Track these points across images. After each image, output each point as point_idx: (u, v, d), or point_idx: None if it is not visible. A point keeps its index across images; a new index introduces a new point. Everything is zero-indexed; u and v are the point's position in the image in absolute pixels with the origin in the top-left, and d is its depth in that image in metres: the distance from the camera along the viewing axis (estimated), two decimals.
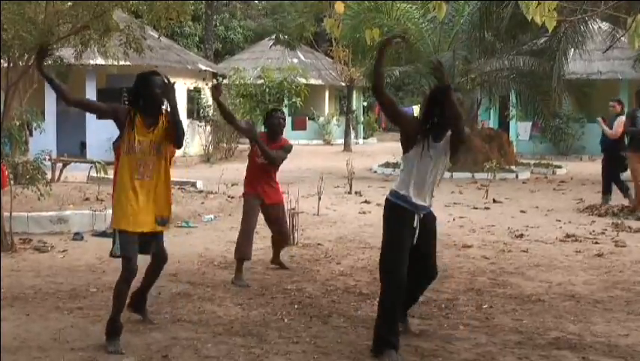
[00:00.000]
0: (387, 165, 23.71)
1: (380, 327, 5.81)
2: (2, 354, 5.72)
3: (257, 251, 9.75)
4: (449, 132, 5.86)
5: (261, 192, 8.53)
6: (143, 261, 6.32)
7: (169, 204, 6.26)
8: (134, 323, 6.51)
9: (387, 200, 6.01)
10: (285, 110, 36.11)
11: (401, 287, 5.80)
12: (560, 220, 12.95)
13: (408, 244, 5.85)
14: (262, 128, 8.95)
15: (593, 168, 17.77)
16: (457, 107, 5.75)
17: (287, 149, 8.68)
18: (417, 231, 5.88)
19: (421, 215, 5.92)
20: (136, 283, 6.49)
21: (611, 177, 15.00)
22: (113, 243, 6.07)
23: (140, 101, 6.19)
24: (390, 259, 5.85)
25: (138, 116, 6.13)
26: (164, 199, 6.20)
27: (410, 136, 5.87)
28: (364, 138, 41.73)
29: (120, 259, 6.04)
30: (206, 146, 27.19)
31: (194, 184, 16.87)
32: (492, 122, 31.77)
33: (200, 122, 27.43)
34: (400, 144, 6.09)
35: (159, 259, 6.40)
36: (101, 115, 6.53)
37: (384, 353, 5.67)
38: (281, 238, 8.92)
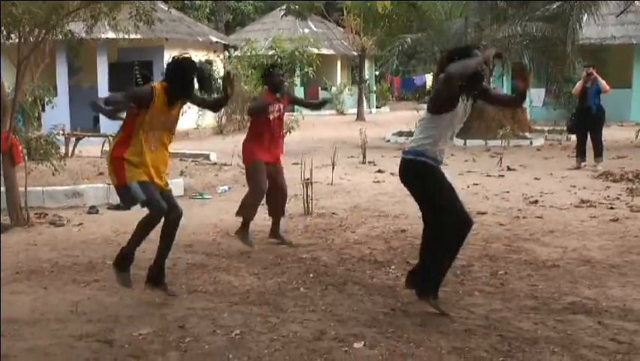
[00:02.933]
0: (400, 133, 23.65)
1: (440, 274, 6.09)
2: (22, 327, 5.78)
3: (270, 221, 9.78)
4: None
5: (269, 155, 8.60)
6: (154, 233, 6.36)
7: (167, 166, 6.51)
8: (150, 294, 6.54)
9: (409, 160, 6.07)
10: (297, 81, 36.11)
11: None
12: (574, 186, 12.91)
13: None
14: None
15: (607, 133, 17.68)
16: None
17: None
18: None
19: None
20: (151, 255, 6.54)
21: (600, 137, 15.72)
22: (123, 198, 6.24)
23: (175, 85, 6.26)
24: (453, 205, 5.97)
25: (164, 95, 6.21)
26: (165, 163, 6.43)
27: (455, 98, 5.89)
28: (377, 107, 41.60)
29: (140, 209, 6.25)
30: (219, 118, 27.18)
31: (207, 156, 16.90)
32: (505, 89, 31.61)
33: (212, 94, 27.40)
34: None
35: (174, 213, 6.32)
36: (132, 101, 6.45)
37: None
38: (280, 195, 8.80)
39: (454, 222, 5.98)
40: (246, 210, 8.57)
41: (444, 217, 6.01)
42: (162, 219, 6.30)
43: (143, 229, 6.28)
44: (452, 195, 6.04)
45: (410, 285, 6.35)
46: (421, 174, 6.06)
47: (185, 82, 6.27)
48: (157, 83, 6.37)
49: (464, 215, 6.04)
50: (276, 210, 8.90)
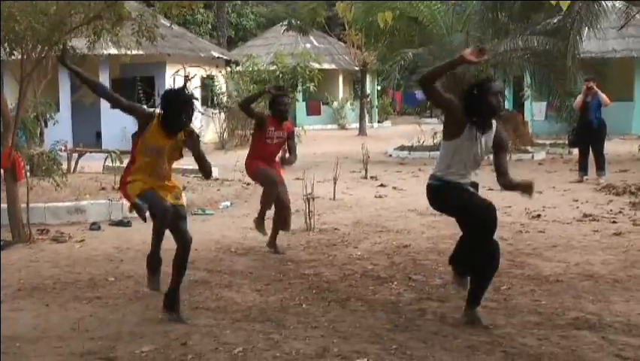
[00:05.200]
0: (402, 148, 23.67)
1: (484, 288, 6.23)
2: (24, 344, 5.76)
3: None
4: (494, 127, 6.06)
5: (269, 167, 9.00)
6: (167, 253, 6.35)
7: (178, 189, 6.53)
8: (152, 311, 6.53)
9: (430, 185, 6.15)
10: (299, 96, 36.15)
11: None
12: (577, 200, 12.90)
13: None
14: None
15: (609, 146, 17.68)
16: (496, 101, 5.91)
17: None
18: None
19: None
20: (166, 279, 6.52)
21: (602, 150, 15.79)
22: (139, 214, 6.24)
23: (169, 115, 6.17)
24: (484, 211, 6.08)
25: (159, 123, 6.19)
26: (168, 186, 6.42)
27: (459, 122, 5.91)
28: (379, 122, 41.62)
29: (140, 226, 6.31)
30: (220, 133, 27.20)
31: None
32: (507, 103, 31.62)
33: (214, 109, 27.43)
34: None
35: (183, 241, 6.32)
36: (122, 109, 6.48)
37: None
38: (283, 210, 9.05)
39: (481, 218, 6.07)
40: (264, 204, 9.06)
41: (475, 218, 6.10)
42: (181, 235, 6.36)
43: (156, 233, 6.48)
44: (475, 199, 6.11)
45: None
46: (446, 194, 6.08)
47: (173, 115, 6.13)
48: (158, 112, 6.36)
49: (490, 213, 6.12)
50: (278, 223, 9.12)
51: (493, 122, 6.09)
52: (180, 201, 6.48)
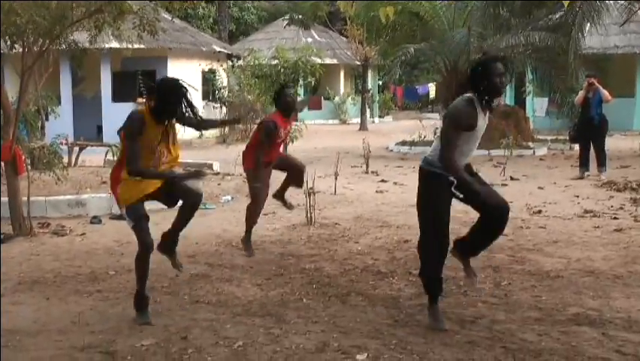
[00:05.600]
0: (403, 143, 23.65)
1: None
2: (24, 338, 5.77)
3: (273, 231, 9.79)
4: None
5: (271, 157, 8.75)
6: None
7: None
8: (152, 304, 6.52)
9: (421, 168, 6.11)
10: (301, 90, 36.15)
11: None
12: (578, 196, 12.89)
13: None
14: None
15: (610, 142, 17.69)
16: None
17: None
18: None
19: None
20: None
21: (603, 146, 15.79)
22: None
23: (160, 105, 6.15)
24: (430, 225, 6.03)
25: (150, 116, 6.16)
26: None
27: (474, 126, 5.91)
28: (380, 117, 41.61)
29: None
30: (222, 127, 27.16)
31: (210, 166, 16.89)
32: (508, 99, 31.59)
33: (215, 103, 27.42)
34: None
35: (191, 196, 6.24)
36: None
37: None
38: (297, 168, 9.03)
39: (423, 240, 6.07)
40: (249, 220, 8.83)
41: (421, 233, 6.10)
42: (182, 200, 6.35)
43: (138, 265, 6.26)
44: (437, 217, 5.97)
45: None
46: (424, 181, 6.06)
47: (168, 104, 6.14)
48: (142, 107, 6.34)
49: (437, 237, 6.00)
50: (291, 179, 9.12)
51: None
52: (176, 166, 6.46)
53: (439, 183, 5.91)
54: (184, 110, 6.23)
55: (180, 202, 6.34)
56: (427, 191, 6.03)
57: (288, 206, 9.21)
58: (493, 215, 6.06)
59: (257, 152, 8.58)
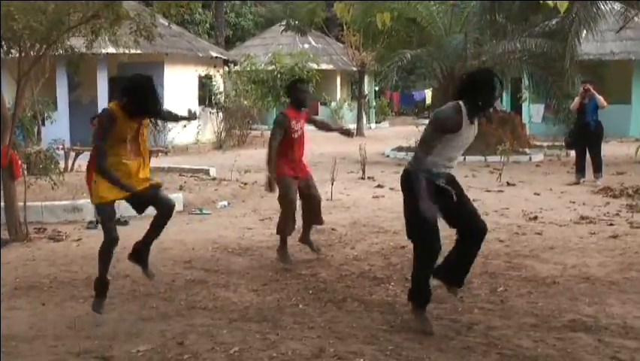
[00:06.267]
0: (399, 149, 23.66)
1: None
2: (20, 343, 5.76)
3: (270, 237, 9.78)
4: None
5: (297, 170, 8.52)
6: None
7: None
8: (149, 310, 6.53)
9: (405, 169, 6.17)
10: None
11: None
12: (574, 202, 12.90)
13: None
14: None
15: (607, 149, 17.73)
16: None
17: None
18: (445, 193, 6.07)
19: (443, 181, 6.12)
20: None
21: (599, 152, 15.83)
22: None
23: (132, 104, 6.24)
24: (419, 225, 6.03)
25: (122, 113, 6.23)
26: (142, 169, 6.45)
27: (454, 130, 5.98)
28: (376, 123, 41.60)
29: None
30: (218, 133, 27.18)
31: (207, 171, 16.88)
32: (504, 105, 31.62)
33: (212, 109, 27.42)
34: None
35: (165, 206, 6.44)
36: None
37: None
38: (314, 205, 8.71)
39: (419, 242, 6.11)
40: (281, 226, 8.58)
41: (411, 233, 6.18)
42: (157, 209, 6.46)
43: (102, 256, 6.41)
44: (425, 217, 5.99)
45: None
46: (408, 185, 6.07)
47: (140, 101, 6.22)
48: (112, 104, 6.42)
49: (430, 239, 6.02)
50: (310, 219, 8.80)
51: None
52: (155, 182, 6.53)
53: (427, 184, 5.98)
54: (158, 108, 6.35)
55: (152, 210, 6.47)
56: (412, 191, 6.04)
57: (316, 250, 8.85)
58: (469, 234, 6.17)
59: (271, 143, 8.35)
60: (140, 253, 6.64)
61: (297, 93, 8.53)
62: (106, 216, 6.34)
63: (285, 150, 8.40)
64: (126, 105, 6.20)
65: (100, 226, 6.68)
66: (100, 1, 9.28)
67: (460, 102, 5.99)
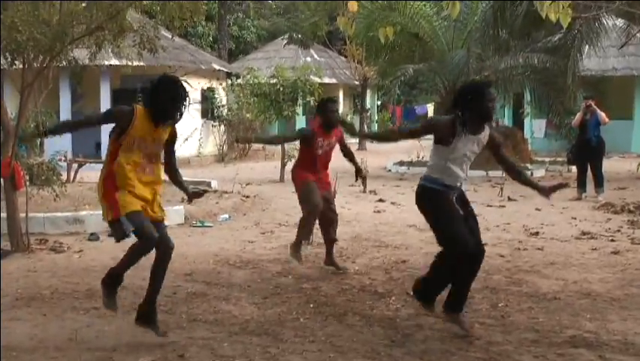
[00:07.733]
0: (401, 163, 23.68)
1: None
2: (20, 354, 5.75)
3: (271, 250, 9.79)
4: (487, 129, 6.23)
5: (317, 181, 8.64)
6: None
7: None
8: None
9: (420, 186, 6.29)
10: (299, 110, 36.19)
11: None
12: (575, 218, 12.90)
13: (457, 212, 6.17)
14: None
15: (608, 164, 17.73)
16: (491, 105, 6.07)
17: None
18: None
19: (455, 194, 6.21)
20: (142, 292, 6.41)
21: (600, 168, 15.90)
22: (116, 233, 5.99)
23: (160, 103, 6.03)
24: (452, 231, 6.08)
25: (145, 116, 6.04)
26: (157, 186, 6.19)
27: (445, 138, 6.09)
28: None
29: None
30: (220, 145, 27.20)
31: (208, 184, 16.89)
32: (506, 120, 31.66)
33: (214, 121, 27.46)
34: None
35: (163, 246, 5.98)
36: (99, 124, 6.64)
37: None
38: (329, 217, 8.76)
39: (453, 253, 6.09)
40: (302, 230, 8.65)
41: (444, 245, 6.23)
42: (154, 250, 6.03)
43: (132, 254, 5.99)
44: (453, 223, 6.07)
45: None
46: (423, 198, 6.17)
47: (167, 103, 6.00)
48: (139, 105, 6.17)
49: (465, 247, 6.04)
50: (329, 236, 8.84)
51: (486, 125, 6.25)
52: (162, 216, 6.18)
53: (437, 193, 6.15)
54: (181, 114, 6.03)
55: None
56: (431, 204, 6.21)
57: (343, 270, 8.76)
58: (468, 255, 6.18)
59: (280, 134, 8.35)
60: (148, 315, 6.15)
61: (326, 112, 8.67)
62: (139, 221, 5.81)
63: (307, 164, 8.70)
64: (150, 107, 6.00)
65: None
66: (104, 11, 9.30)
67: (454, 116, 6.10)
